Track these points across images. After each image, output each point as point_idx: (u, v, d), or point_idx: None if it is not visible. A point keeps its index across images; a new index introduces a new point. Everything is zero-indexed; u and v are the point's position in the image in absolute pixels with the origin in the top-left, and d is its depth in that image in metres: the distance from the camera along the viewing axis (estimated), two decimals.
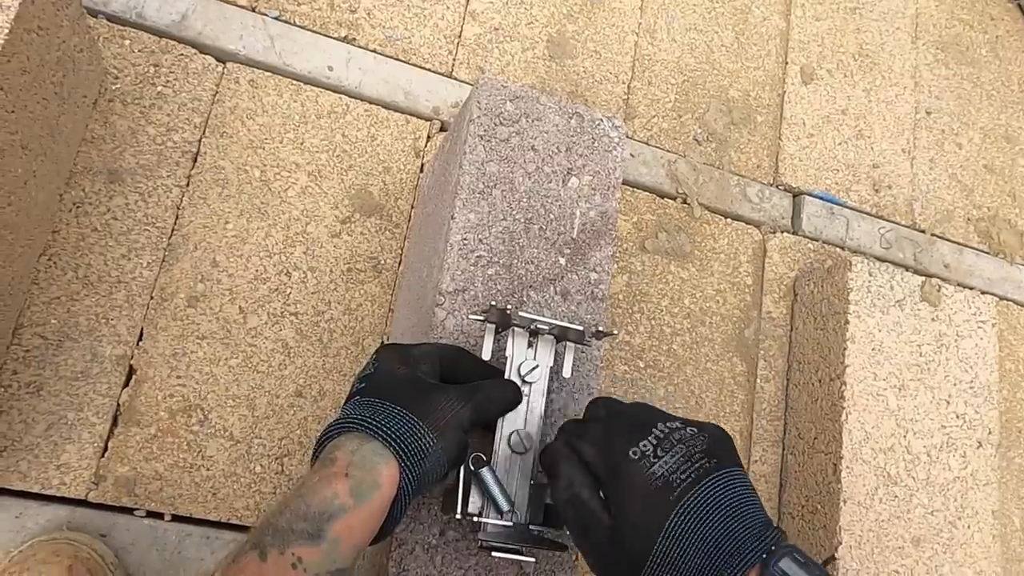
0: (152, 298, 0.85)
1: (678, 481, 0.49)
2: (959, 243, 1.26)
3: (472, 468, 0.60)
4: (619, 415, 0.55)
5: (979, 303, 1.08)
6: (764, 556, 0.47)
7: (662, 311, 1.05)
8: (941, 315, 1.05)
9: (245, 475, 0.83)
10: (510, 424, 0.62)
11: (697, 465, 0.50)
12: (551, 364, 0.65)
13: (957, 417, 1.01)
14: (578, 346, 0.70)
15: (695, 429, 0.52)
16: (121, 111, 0.87)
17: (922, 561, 0.95)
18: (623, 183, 1.08)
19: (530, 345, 0.65)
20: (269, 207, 0.91)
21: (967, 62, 1.37)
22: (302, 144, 0.94)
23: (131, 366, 0.83)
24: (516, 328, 0.64)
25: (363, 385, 0.57)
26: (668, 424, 0.53)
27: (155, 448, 0.81)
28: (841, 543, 0.92)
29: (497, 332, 0.66)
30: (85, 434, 0.79)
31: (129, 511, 0.80)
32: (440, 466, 0.55)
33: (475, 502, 0.60)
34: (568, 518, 0.53)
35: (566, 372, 0.67)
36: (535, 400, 0.64)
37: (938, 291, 1.05)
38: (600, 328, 0.64)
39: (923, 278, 1.06)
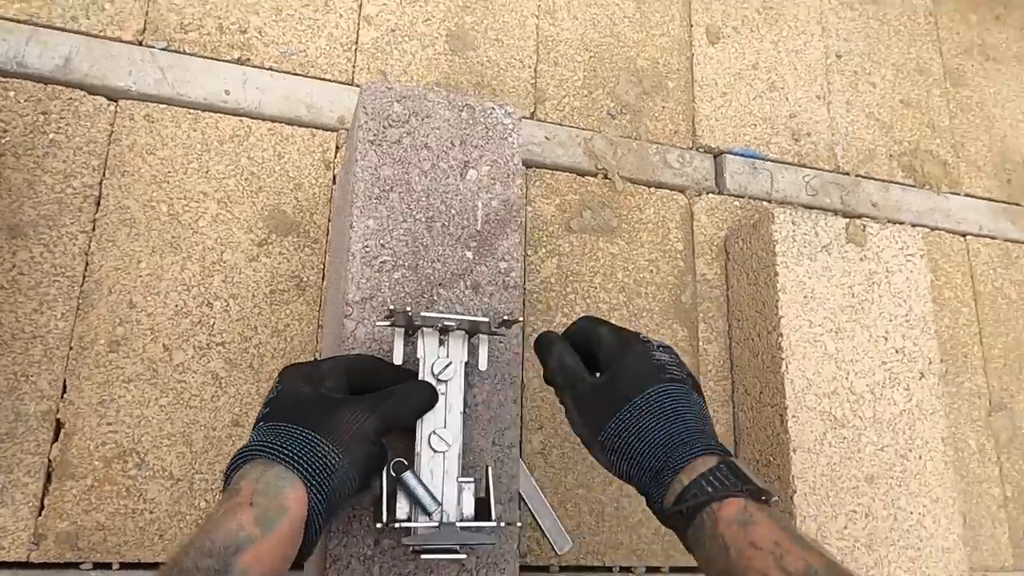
0: (71, 348, 0.83)
1: (670, 370, 0.58)
2: (884, 180, 1.28)
3: (393, 474, 0.59)
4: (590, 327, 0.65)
5: (905, 237, 1.09)
6: (723, 452, 0.54)
7: (596, 288, 1.05)
8: (869, 254, 1.06)
9: (191, 513, 0.83)
10: (429, 424, 0.62)
11: (686, 374, 0.59)
12: (465, 359, 0.65)
13: (896, 352, 1.03)
14: (495, 337, 0.70)
15: (670, 356, 0.62)
16: (14, 164, 0.86)
17: (877, 497, 0.96)
18: (541, 167, 1.08)
19: (441, 343, 0.65)
20: (181, 240, 0.90)
21: (871, 1, 1.38)
22: (207, 172, 0.93)
23: (58, 420, 0.81)
24: (424, 328, 0.64)
25: (267, 410, 0.56)
26: (660, 344, 0.62)
27: (93, 499, 0.80)
28: (796, 491, 0.93)
29: (408, 335, 0.66)
30: (18, 495, 0.78)
31: (75, 566, 0.79)
32: (351, 480, 0.55)
33: (402, 507, 0.60)
34: (558, 382, 0.63)
35: (482, 365, 0.67)
36: (452, 397, 0.64)
37: (863, 231, 1.06)
38: (505, 317, 0.64)
39: (847, 220, 1.07)
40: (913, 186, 1.30)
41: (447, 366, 0.63)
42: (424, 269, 0.70)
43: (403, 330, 0.65)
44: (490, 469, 0.64)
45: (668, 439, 0.54)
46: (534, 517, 0.68)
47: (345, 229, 0.75)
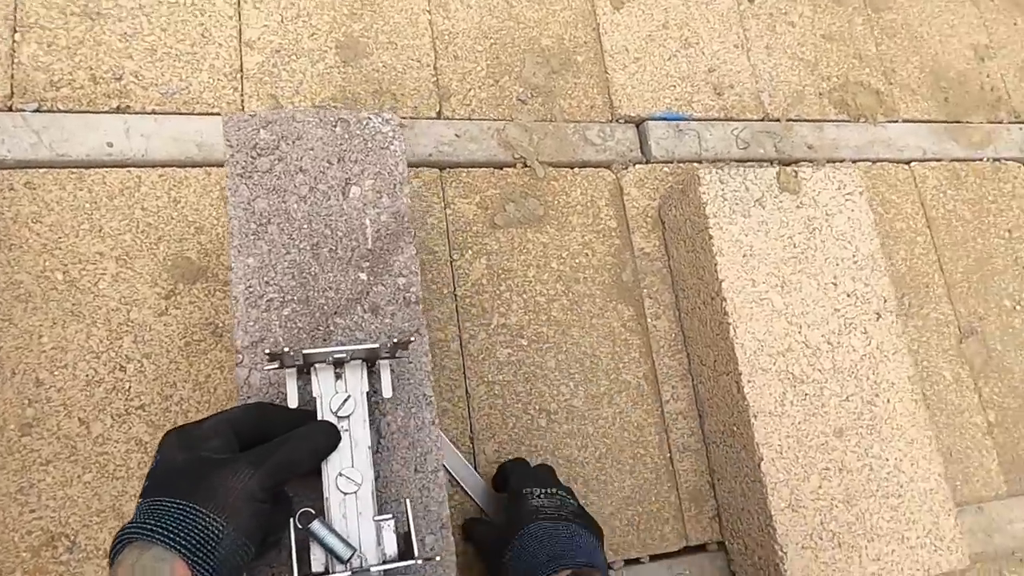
0: None
1: (544, 513, 0.74)
2: (817, 120, 1.24)
3: (300, 525, 0.56)
4: (532, 475, 0.84)
5: (841, 176, 1.05)
6: (587, 565, 0.68)
7: (531, 281, 1.01)
8: (805, 200, 1.02)
9: None
10: (335, 465, 0.58)
11: (564, 514, 0.75)
12: (366, 389, 0.61)
13: (848, 296, 0.99)
14: (400, 360, 0.66)
15: (576, 504, 0.80)
16: None
17: (849, 450, 0.93)
18: (455, 167, 1.04)
19: (338, 377, 0.61)
20: (83, 306, 0.86)
21: None
22: (101, 231, 0.88)
23: None
24: (316, 364, 0.60)
25: (147, 483, 0.53)
26: (560, 492, 0.80)
27: None
28: (763, 458, 0.89)
29: (301, 372, 0.62)
30: None
31: None
32: (241, 547, 0.51)
33: (318, 559, 0.56)
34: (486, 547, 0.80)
35: (386, 392, 0.63)
36: (357, 432, 0.60)
37: (795, 177, 1.02)
38: (396, 340, 0.60)
39: (778, 169, 1.03)
40: (848, 121, 1.26)
41: (345, 400, 0.60)
42: (316, 300, 0.66)
43: (295, 370, 0.61)
44: (409, 503, 0.60)
45: (532, 562, 0.69)
46: (460, 485, 0.84)
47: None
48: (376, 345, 0.59)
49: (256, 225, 0.67)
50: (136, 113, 0.94)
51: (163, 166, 0.93)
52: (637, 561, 0.95)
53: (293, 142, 0.70)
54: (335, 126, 0.72)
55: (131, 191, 0.91)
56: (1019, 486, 1.13)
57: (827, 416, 0.93)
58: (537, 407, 0.96)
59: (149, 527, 0.48)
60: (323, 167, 0.70)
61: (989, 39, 1.43)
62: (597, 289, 1.04)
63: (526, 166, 1.07)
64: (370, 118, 0.73)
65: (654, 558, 0.95)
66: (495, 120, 1.08)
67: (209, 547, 0.48)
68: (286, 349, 0.56)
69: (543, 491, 0.78)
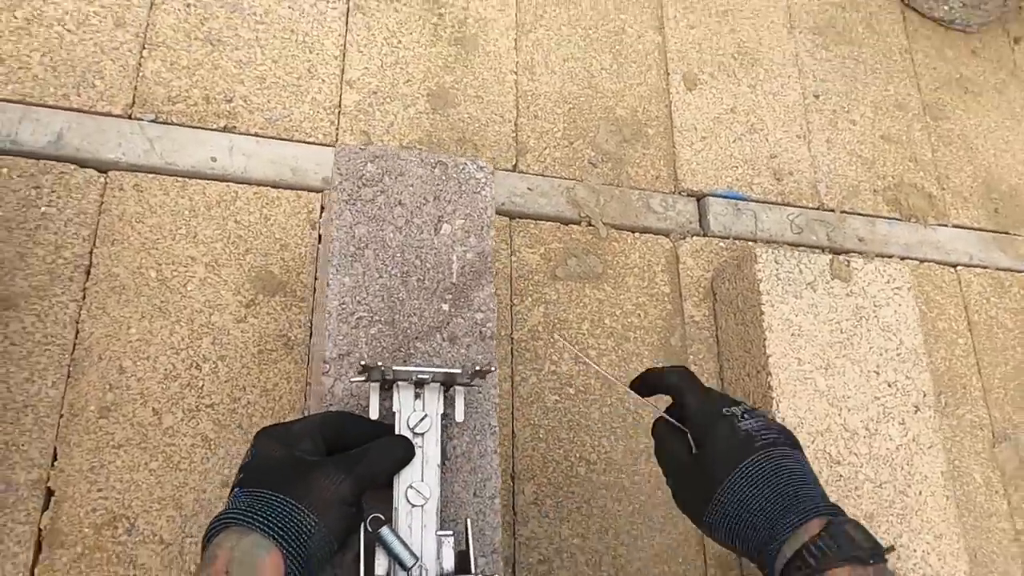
0: (62, 416, 0.84)
1: (760, 437, 0.57)
2: (870, 215, 1.29)
3: (370, 529, 0.59)
4: (709, 389, 0.64)
5: (891, 270, 1.09)
6: (831, 514, 0.53)
7: (584, 334, 1.06)
8: (855, 289, 1.06)
9: None
10: (407, 478, 0.62)
11: (776, 433, 0.57)
12: (442, 411, 0.65)
13: (889, 386, 1.02)
14: (471, 388, 0.70)
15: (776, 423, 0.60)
16: (6, 238, 0.88)
17: (879, 535, 0.94)
18: (524, 217, 1.10)
19: (417, 396, 0.65)
20: (170, 304, 0.92)
21: (846, 42, 1.41)
22: (195, 237, 0.95)
23: (48, 488, 0.82)
24: (399, 382, 0.65)
25: (242, 475, 0.57)
26: (746, 404, 0.61)
27: (83, 566, 0.80)
28: None
29: (383, 389, 0.66)
30: (8, 566, 0.78)
31: None
32: (328, 544, 0.55)
33: (381, 564, 0.60)
34: (662, 466, 0.64)
35: (459, 416, 0.67)
36: (429, 450, 0.64)
37: (847, 266, 1.07)
38: (478, 368, 0.65)
39: (831, 256, 1.07)
40: (899, 220, 1.30)
41: (422, 419, 0.64)
42: (401, 323, 0.72)
43: (378, 385, 0.65)
44: (469, 522, 0.64)
45: (768, 513, 0.54)
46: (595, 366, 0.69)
47: (322, 288, 0.77)
48: (458, 371, 0.63)
49: (355, 248, 0.73)
50: (241, 133, 1.02)
51: (259, 184, 1.00)
52: None
53: (396, 177, 0.77)
54: (434, 167, 0.78)
55: (227, 204, 0.98)
56: None
57: (860, 500, 0.95)
58: (578, 455, 1.00)
59: (249, 515, 0.52)
60: (420, 203, 0.76)
61: None
62: (646, 349, 1.08)
63: (590, 225, 1.12)
64: (466, 164, 0.79)
65: None
66: (566, 179, 1.14)
67: (302, 540, 0.52)
68: (380, 364, 0.61)
69: (743, 409, 0.60)
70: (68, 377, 0.86)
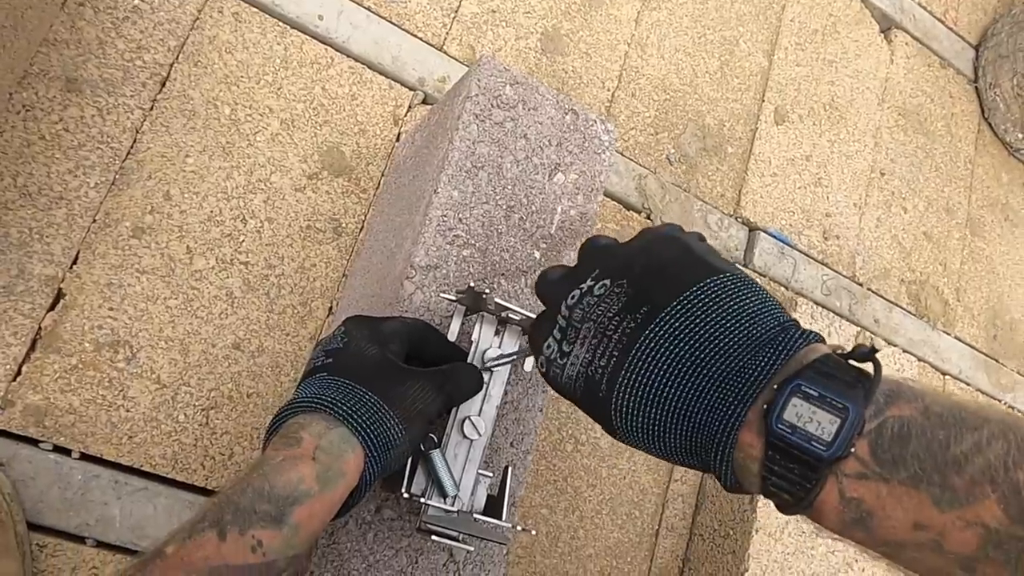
0: (95, 221, 0.79)
1: (598, 372, 0.40)
2: (891, 301, 1.32)
3: (422, 448, 0.58)
4: (556, 284, 0.46)
5: (903, 361, 1.13)
6: (749, 407, 0.35)
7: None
8: (868, 367, 1.09)
9: (167, 422, 0.79)
10: (465, 410, 0.61)
11: (616, 337, 0.40)
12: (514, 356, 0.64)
13: None
14: None
15: (608, 281, 0.42)
16: (91, 18, 0.81)
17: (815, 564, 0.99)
18: None
19: (497, 333, 0.64)
20: (235, 148, 0.87)
21: (923, 132, 1.44)
22: (279, 89, 0.90)
23: (60, 289, 0.77)
24: (486, 313, 0.63)
25: (330, 361, 0.54)
26: (574, 295, 0.43)
27: (73, 380, 0.76)
28: (748, 570, 0.95)
29: (465, 315, 0.65)
30: None
31: (35, 442, 0.74)
32: (403, 456, 0.53)
33: (419, 483, 0.59)
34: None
35: (527, 367, 0.66)
36: (494, 389, 0.63)
37: (869, 343, 1.10)
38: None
39: (858, 329, 1.10)
40: (914, 314, 1.35)
41: (499, 356, 0.63)
42: (492, 255, 0.70)
43: (464, 309, 0.64)
44: (511, 470, 0.63)
45: (685, 456, 0.39)
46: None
47: (420, 192, 0.74)
48: None
49: (471, 165, 0.70)
50: (354, 1, 0.96)
51: (356, 60, 0.95)
52: None
53: (529, 109, 0.74)
54: (566, 113, 0.76)
55: (320, 67, 0.93)
56: None
57: (812, 559, 0.99)
58: (569, 432, 1.00)
59: (343, 408, 0.49)
60: (543, 144, 0.74)
61: None
62: None
63: (648, 218, 1.12)
64: (596, 122, 0.77)
65: None
66: (640, 166, 1.13)
67: (386, 448, 0.50)
68: (487, 291, 0.59)
69: (557, 340, 0.44)
70: (112, 184, 0.80)
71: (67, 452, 0.75)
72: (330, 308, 0.89)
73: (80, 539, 0.75)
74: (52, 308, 0.77)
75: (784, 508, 0.36)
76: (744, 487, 0.37)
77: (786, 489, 0.35)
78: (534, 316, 0.62)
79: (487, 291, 0.59)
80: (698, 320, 0.37)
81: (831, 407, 0.33)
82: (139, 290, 0.80)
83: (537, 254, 0.72)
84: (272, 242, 0.87)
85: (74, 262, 0.78)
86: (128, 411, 0.78)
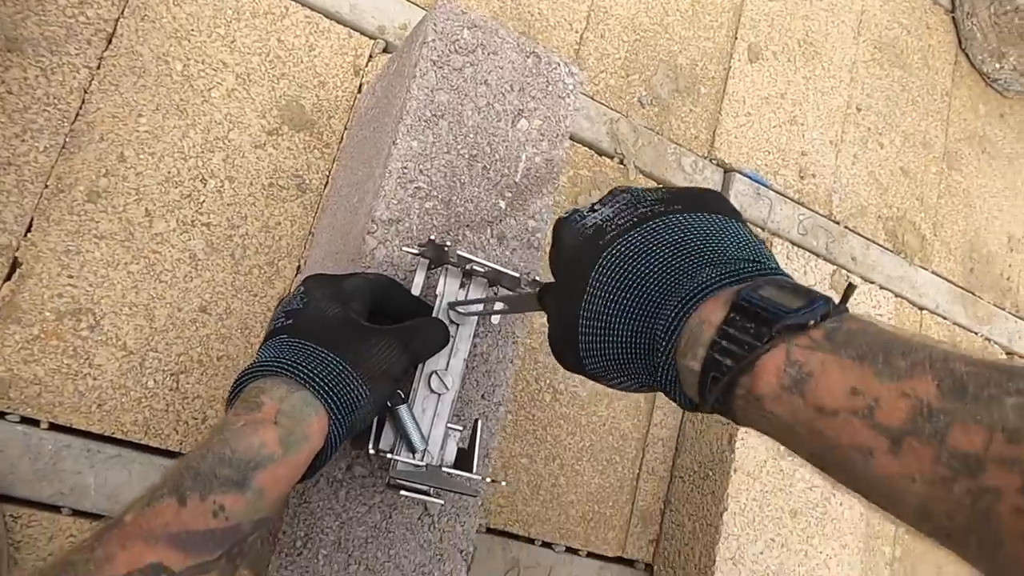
0: (47, 187, 0.77)
1: (612, 226, 0.42)
2: (868, 238, 1.32)
3: (389, 404, 0.57)
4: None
5: (879, 297, 1.13)
6: (730, 283, 0.37)
7: None
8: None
9: (136, 389, 0.78)
10: (432, 364, 0.60)
11: (641, 211, 0.42)
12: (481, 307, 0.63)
13: None
14: (510, 292, 0.68)
15: (658, 189, 0.44)
16: None
17: (796, 531, 1.00)
18: None
19: (462, 285, 0.63)
20: (189, 106, 0.84)
21: (900, 65, 1.42)
22: (233, 42, 0.87)
23: (16, 258, 0.75)
24: (450, 267, 0.62)
25: (290, 322, 0.53)
26: (629, 189, 0.45)
27: (36, 350, 0.75)
28: (727, 509, 0.96)
29: (429, 268, 0.63)
30: None
31: (1, 415, 0.73)
32: (369, 416, 0.53)
33: (387, 438, 0.58)
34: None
35: (494, 318, 0.65)
36: (461, 343, 0.62)
37: (845, 281, 1.10)
38: (536, 278, 0.63)
39: (834, 267, 1.10)
40: (891, 251, 1.35)
41: (465, 309, 0.62)
42: (456, 206, 0.68)
43: (428, 262, 0.62)
44: (480, 423, 0.63)
45: (645, 311, 0.38)
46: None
47: (380, 144, 0.72)
48: (518, 275, 0.61)
49: (431, 114, 0.68)
50: None
51: (312, 9, 0.92)
52: (576, 552, 1.00)
53: (488, 54, 0.71)
54: (528, 57, 0.73)
55: (275, 18, 0.89)
56: None
57: (790, 495, 1.01)
58: (547, 382, 1.00)
59: (304, 371, 0.48)
60: (504, 89, 0.72)
61: (1023, 235, 1.55)
62: None
63: (621, 163, 1.10)
64: (559, 64, 0.75)
65: (591, 555, 1.01)
66: (612, 110, 1.11)
67: (350, 409, 0.49)
68: (448, 243, 0.58)
69: (593, 204, 0.46)
70: (63, 148, 0.78)
71: (35, 423, 0.74)
72: (298, 267, 0.87)
73: (55, 508, 0.74)
74: (8, 278, 0.75)
75: (712, 380, 0.35)
76: (679, 365, 0.37)
77: (733, 352, 0.34)
78: (499, 268, 0.61)
79: (448, 243, 0.58)
80: (714, 227, 0.40)
81: (799, 294, 0.35)
82: (98, 256, 0.78)
83: (502, 203, 0.70)
84: (234, 202, 0.85)
85: (28, 230, 0.76)
86: (95, 379, 0.77)
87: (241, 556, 0.43)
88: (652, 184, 1.12)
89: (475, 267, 0.61)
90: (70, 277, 0.77)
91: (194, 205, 0.83)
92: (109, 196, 0.79)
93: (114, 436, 0.77)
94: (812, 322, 0.33)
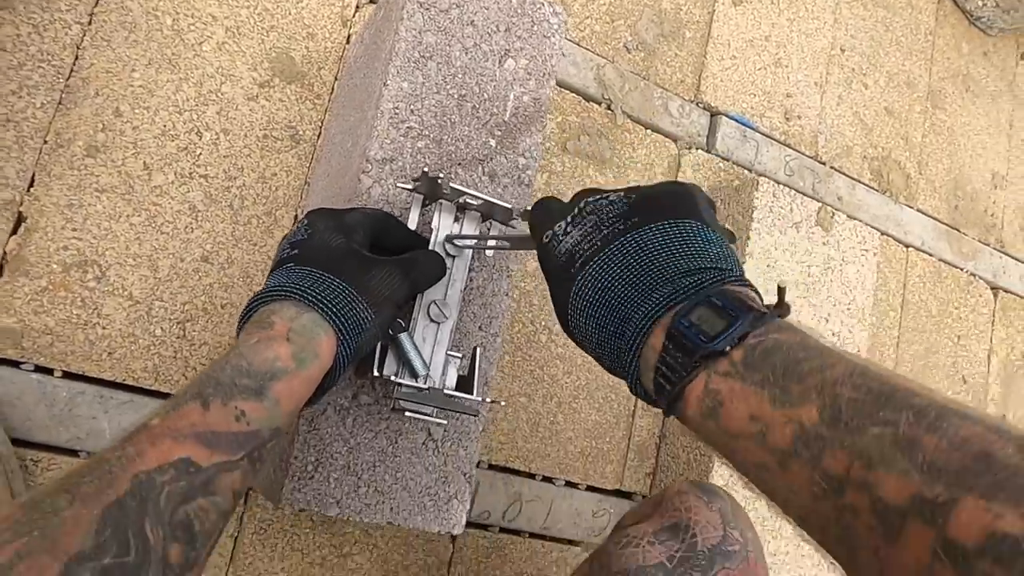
0: (46, 143, 0.78)
1: (580, 252, 0.47)
2: (853, 178, 1.34)
3: (391, 333, 0.60)
4: (570, 203, 0.52)
5: (865, 233, 1.16)
6: (669, 310, 0.42)
7: None
8: (831, 240, 1.12)
9: (144, 337, 0.81)
10: (431, 294, 0.63)
11: (608, 230, 0.47)
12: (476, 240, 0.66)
13: (833, 335, 1.10)
14: (503, 226, 0.70)
15: (622, 194, 0.49)
16: None
17: None
18: None
19: (456, 219, 0.65)
20: (181, 59, 0.85)
21: (883, 5, 1.42)
22: None
23: (20, 213, 0.77)
24: (443, 202, 0.64)
25: (295, 252, 0.55)
26: (591, 198, 0.50)
27: (45, 302, 0.77)
28: None
29: (424, 204, 0.66)
30: None
31: (15, 364, 0.76)
32: (374, 340, 0.55)
33: (391, 365, 0.61)
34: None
35: (489, 252, 0.68)
36: (458, 272, 0.65)
37: (831, 217, 1.12)
38: (528, 207, 0.65)
39: (820, 204, 1.12)
40: (876, 190, 1.37)
41: (461, 241, 0.64)
42: (447, 145, 0.70)
43: (422, 197, 0.65)
44: (479, 351, 0.65)
45: (607, 341, 0.45)
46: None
47: (370, 88, 0.73)
48: (510, 206, 0.63)
49: (419, 55, 0.69)
50: None
51: None
52: (575, 486, 1.04)
53: None
54: None
55: None
56: None
57: None
58: (543, 323, 1.03)
59: (312, 294, 0.51)
60: (491, 30, 0.73)
61: (1007, 172, 1.58)
62: None
63: (609, 109, 1.12)
64: (543, 4, 0.76)
65: (590, 488, 1.05)
66: (598, 55, 1.12)
67: (357, 331, 0.52)
68: (441, 176, 0.60)
69: (570, 218, 0.50)
70: (59, 104, 0.79)
71: (49, 372, 0.77)
72: (295, 216, 0.89)
73: (73, 452, 0.77)
74: (14, 232, 0.77)
75: (662, 401, 0.42)
76: (642, 383, 0.44)
77: (668, 377, 0.41)
78: (491, 200, 0.63)
79: (441, 176, 0.60)
80: (666, 241, 0.45)
81: (726, 315, 0.40)
82: (100, 209, 0.80)
83: (492, 142, 0.72)
84: (230, 154, 0.87)
85: (31, 185, 0.78)
86: (104, 328, 0.79)
87: (260, 461, 0.46)
88: (639, 130, 1.13)
89: (468, 200, 0.64)
90: (74, 230, 0.79)
91: (191, 158, 0.85)
92: (108, 150, 0.81)
93: (125, 383, 0.80)
94: (729, 347, 0.39)
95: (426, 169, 0.60)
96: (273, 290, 0.52)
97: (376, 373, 0.58)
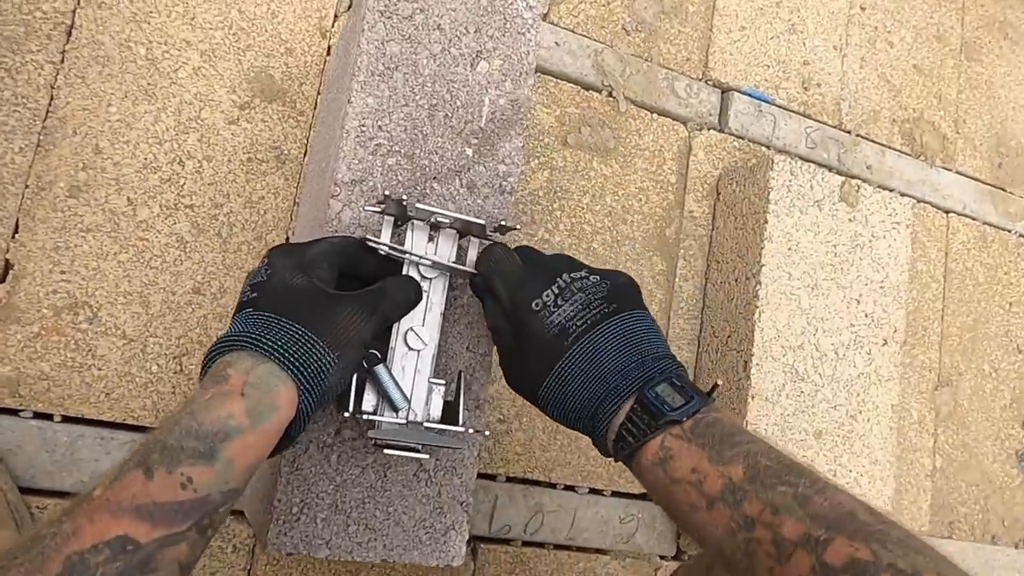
0: (27, 187, 0.78)
1: (573, 327, 0.54)
2: (883, 144, 1.26)
3: (366, 365, 0.57)
4: (534, 264, 0.59)
5: (895, 205, 1.08)
6: (642, 384, 0.52)
7: (583, 209, 1.03)
8: (858, 216, 1.05)
9: (141, 375, 0.80)
10: (408, 321, 0.60)
11: (595, 311, 0.54)
12: (453, 259, 0.62)
13: (866, 316, 1.04)
14: (483, 241, 0.67)
15: (598, 277, 0.57)
16: None
17: (822, 452, 0.99)
18: (546, 74, 1.03)
19: (431, 239, 0.62)
20: (157, 89, 0.83)
21: None
22: (193, 20, 0.86)
23: (7, 260, 0.77)
24: (416, 221, 0.61)
25: (255, 295, 0.53)
26: (573, 274, 0.57)
27: (39, 347, 0.76)
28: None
29: (396, 225, 0.63)
30: None
31: (14, 412, 0.76)
32: (341, 383, 0.53)
33: (369, 400, 0.58)
34: (494, 340, 0.62)
35: (469, 267, 0.64)
36: (434, 297, 0.61)
37: (856, 191, 1.05)
38: (503, 222, 0.61)
39: (843, 178, 1.05)
40: (909, 155, 1.29)
41: (434, 264, 0.61)
42: (420, 159, 0.67)
43: (392, 219, 0.61)
44: (463, 375, 0.62)
45: (588, 406, 0.53)
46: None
47: (340, 105, 0.70)
48: (482, 222, 0.60)
49: (384, 67, 0.66)
50: None
51: None
52: (600, 492, 1.00)
53: None
54: None
55: None
56: (940, 529, 1.23)
57: (813, 417, 0.99)
58: None
59: (268, 343, 0.48)
60: (460, 32, 0.69)
61: None
62: (640, 235, 1.06)
63: (611, 96, 1.07)
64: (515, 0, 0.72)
65: (615, 494, 1.01)
66: (596, 41, 1.07)
67: (319, 378, 0.49)
68: (403, 198, 0.56)
69: (558, 290, 0.55)
70: (38, 146, 0.78)
71: (48, 417, 0.77)
72: (286, 239, 0.87)
73: None
74: (3, 280, 0.76)
75: (619, 451, 0.53)
76: (606, 438, 0.54)
77: (633, 432, 0.51)
78: (462, 216, 0.60)
79: (406, 198, 0.57)
80: (638, 328, 0.55)
81: (684, 394, 0.51)
82: (87, 249, 0.79)
83: (469, 151, 0.69)
84: (214, 180, 0.85)
85: (15, 231, 0.77)
86: (100, 369, 0.78)
87: (212, 527, 0.44)
88: (645, 115, 1.08)
89: (439, 218, 0.60)
90: (62, 273, 0.78)
91: (175, 189, 0.83)
92: (90, 189, 0.80)
93: (125, 422, 0.79)
94: (685, 418, 0.50)
95: (387, 192, 0.56)
96: (229, 339, 0.49)
97: (347, 412, 0.56)
